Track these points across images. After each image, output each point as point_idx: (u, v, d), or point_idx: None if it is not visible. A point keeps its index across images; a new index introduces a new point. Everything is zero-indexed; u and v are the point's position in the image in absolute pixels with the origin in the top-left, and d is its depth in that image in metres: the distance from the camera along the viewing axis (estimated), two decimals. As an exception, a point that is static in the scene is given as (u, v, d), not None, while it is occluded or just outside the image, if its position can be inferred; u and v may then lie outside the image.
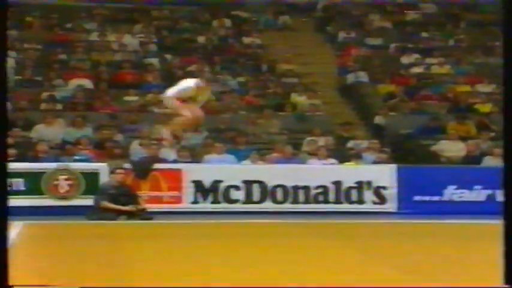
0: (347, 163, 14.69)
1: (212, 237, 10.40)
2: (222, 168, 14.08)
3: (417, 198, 14.00)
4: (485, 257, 8.36)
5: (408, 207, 13.90)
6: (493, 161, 14.68)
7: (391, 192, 13.91)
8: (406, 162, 15.03)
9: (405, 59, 20.02)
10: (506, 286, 3.77)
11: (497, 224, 13.52)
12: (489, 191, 13.93)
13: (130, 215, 12.28)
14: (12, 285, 3.64)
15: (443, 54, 20.05)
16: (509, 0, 3.64)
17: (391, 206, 13.93)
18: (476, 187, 14.01)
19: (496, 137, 16.03)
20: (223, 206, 13.75)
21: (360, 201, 14.00)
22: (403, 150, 16.15)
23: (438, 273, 7.17)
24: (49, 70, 18.06)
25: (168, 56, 19.39)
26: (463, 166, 14.73)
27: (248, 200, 13.85)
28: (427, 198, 14.00)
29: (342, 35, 21.19)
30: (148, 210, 12.71)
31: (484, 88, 18.47)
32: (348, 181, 14.06)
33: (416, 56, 20.04)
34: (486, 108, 17.44)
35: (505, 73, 3.64)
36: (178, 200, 13.70)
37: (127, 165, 13.35)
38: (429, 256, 8.48)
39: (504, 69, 3.65)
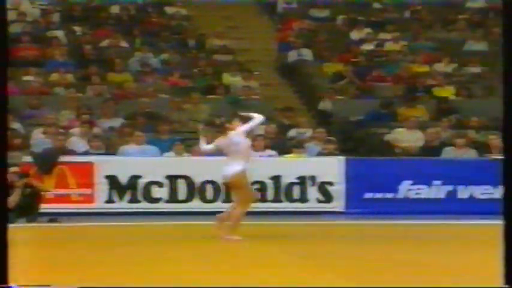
0: (288, 155, 14.89)
1: (130, 242, 10.45)
2: (142, 162, 14.11)
3: (368, 195, 14.31)
4: (443, 261, 8.68)
5: (358, 206, 14.20)
6: (454, 153, 15.12)
7: (338, 189, 14.19)
8: (355, 154, 15.32)
9: (355, 34, 20.35)
10: (506, 286, 4.12)
11: (460, 224, 13.90)
12: (450, 187, 14.36)
13: (31, 218, 12.24)
14: (12, 286, 3.88)
15: (398, 29, 20.45)
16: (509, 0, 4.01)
17: (338, 204, 14.22)
18: (435, 182, 14.40)
19: (458, 124, 16.50)
20: (143, 206, 13.80)
21: (303, 199, 14.24)
22: (353, 140, 16.45)
23: (388, 279, 7.44)
24: None
25: (77, 28, 19.26)
26: (420, 158, 15.12)
27: (172, 198, 13.94)
28: (379, 195, 14.33)
29: (281, 5, 21.38)
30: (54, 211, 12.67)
31: (443, 68, 18.95)
32: (289, 176, 14.27)
33: (368, 30, 20.39)
34: (446, 91, 17.92)
35: (505, 73, 4.13)
36: (89, 198, 13.69)
37: (28, 158, 13.25)
38: (379, 261, 8.74)
39: (504, 69, 4.14)
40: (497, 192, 14.10)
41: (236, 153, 10.00)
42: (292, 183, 14.27)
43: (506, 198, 4.12)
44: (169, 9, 20.77)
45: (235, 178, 10.01)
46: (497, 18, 21.04)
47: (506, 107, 4.11)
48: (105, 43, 18.86)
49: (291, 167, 14.43)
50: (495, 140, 15.19)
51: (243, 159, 10.00)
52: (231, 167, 9.99)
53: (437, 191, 14.39)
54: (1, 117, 3.80)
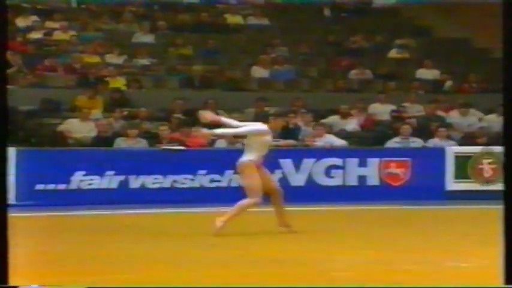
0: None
1: None
2: None
3: (40, 187, 14.11)
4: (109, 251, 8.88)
5: (29, 198, 13.93)
6: (126, 143, 15.36)
7: (9, 181, 13.77)
8: (26, 145, 15.02)
9: (21, 22, 19.85)
10: (506, 286, 4.21)
11: (131, 213, 14.11)
12: (122, 177, 14.55)
13: None
14: (12, 286, 3.92)
15: (66, 18, 20.26)
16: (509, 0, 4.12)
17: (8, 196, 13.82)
18: (108, 173, 14.53)
19: (130, 115, 16.77)
20: None
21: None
22: (23, 131, 16.09)
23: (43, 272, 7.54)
24: None
25: None
26: (93, 149, 15.16)
27: None
28: (51, 186, 14.19)
29: None
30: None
31: (113, 59, 19.12)
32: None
33: (34, 18, 19.99)
34: (117, 82, 18.12)
35: (505, 74, 4.24)
36: None
37: None
38: (44, 252, 8.76)
39: (504, 70, 4.25)
40: (167, 182, 14.59)
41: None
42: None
43: (506, 198, 4.27)
44: None
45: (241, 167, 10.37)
46: (162, 12, 21.64)
47: (506, 105, 4.25)
48: None
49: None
50: (165, 130, 15.65)
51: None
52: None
53: (109, 181, 14.51)
54: (1, 116, 3.74)
